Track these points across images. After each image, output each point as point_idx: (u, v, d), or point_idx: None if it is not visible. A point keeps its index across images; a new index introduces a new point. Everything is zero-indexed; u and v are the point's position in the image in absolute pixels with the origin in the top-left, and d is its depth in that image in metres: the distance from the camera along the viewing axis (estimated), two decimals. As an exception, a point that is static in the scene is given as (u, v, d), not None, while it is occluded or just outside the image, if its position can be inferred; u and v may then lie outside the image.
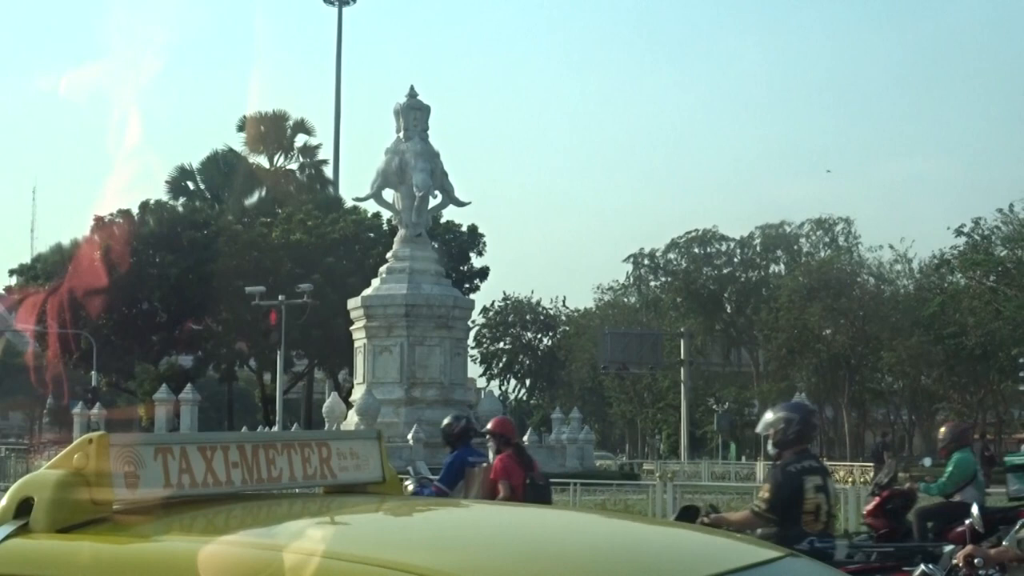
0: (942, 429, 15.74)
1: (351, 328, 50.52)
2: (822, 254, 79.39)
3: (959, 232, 67.20)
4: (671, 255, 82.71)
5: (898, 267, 78.10)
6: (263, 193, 77.96)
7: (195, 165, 77.19)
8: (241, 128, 79.51)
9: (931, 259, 72.05)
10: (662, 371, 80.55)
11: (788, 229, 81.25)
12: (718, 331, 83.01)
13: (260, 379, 68.98)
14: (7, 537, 2.80)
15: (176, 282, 59.48)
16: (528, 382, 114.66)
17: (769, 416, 9.18)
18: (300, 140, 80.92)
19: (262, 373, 68.88)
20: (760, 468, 55.71)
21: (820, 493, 8.58)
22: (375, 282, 50.45)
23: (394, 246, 51.22)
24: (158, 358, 65.96)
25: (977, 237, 66.75)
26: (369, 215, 67.05)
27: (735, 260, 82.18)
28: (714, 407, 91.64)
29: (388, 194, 51.38)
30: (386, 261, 51.37)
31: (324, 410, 49.56)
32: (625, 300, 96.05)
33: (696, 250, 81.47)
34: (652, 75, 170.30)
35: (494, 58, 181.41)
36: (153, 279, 60.52)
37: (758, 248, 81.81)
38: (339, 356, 65.42)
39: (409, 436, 45.53)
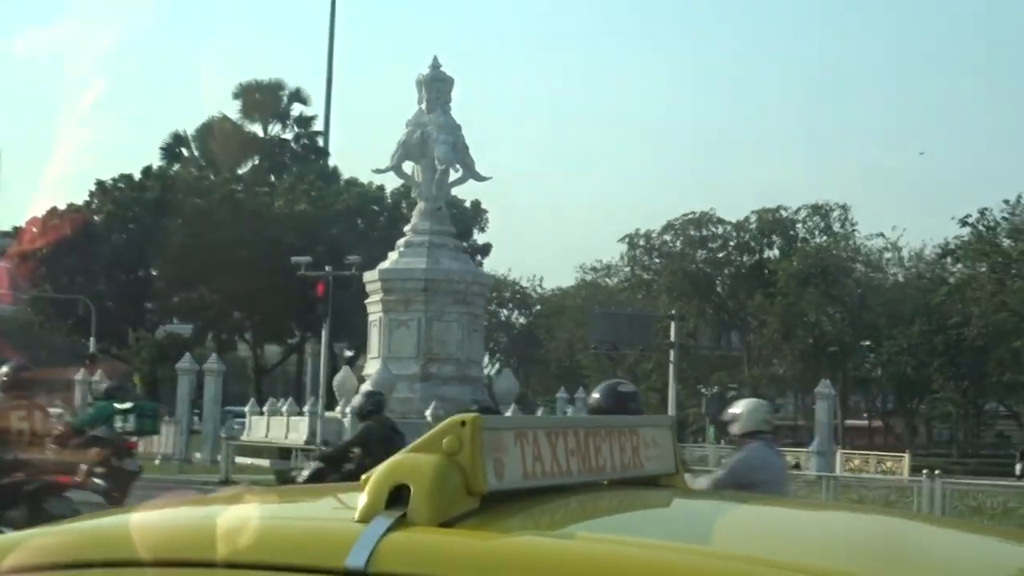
0: None
1: (366, 301, 49.69)
2: (818, 240, 79.20)
3: (964, 222, 67.10)
4: (667, 237, 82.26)
5: (888, 255, 78.22)
6: (255, 162, 77.11)
7: (190, 132, 76.41)
8: (237, 96, 78.62)
9: (932, 248, 72.09)
10: (648, 353, 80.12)
11: (784, 214, 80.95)
12: (710, 315, 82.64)
13: (255, 351, 68.09)
14: (389, 530, 2.47)
15: (178, 250, 58.44)
16: (502, 360, 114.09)
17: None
18: (296, 110, 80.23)
19: (257, 345, 68.00)
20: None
21: (23, 422, 12.94)
22: (392, 255, 49.63)
23: (413, 219, 50.39)
24: (154, 326, 64.99)
25: (982, 228, 66.66)
26: (373, 187, 66.15)
27: (731, 244, 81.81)
28: (703, 391, 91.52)
29: (407, 166, 50.66)
30: (392, 234, 50.64)
31: (335, 383, 48.80)
32: (607, 281, 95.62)
33: (692, 232, 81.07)
34: (655, 57, 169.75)
35: (494, 29, 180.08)
36: (154, 246, 59.46)
37: (754, 231, 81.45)
38: (340, 329, 64.80)
39: (428, 413, 44.83)
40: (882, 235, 77.90)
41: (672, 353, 72.62)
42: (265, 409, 44.97)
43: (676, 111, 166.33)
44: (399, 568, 2.43)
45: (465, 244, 70.32)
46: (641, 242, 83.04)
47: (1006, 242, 64.81)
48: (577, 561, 2.39)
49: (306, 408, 45.42)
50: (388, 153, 51.19)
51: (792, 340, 74.86)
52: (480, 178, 51.05)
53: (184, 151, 74.94)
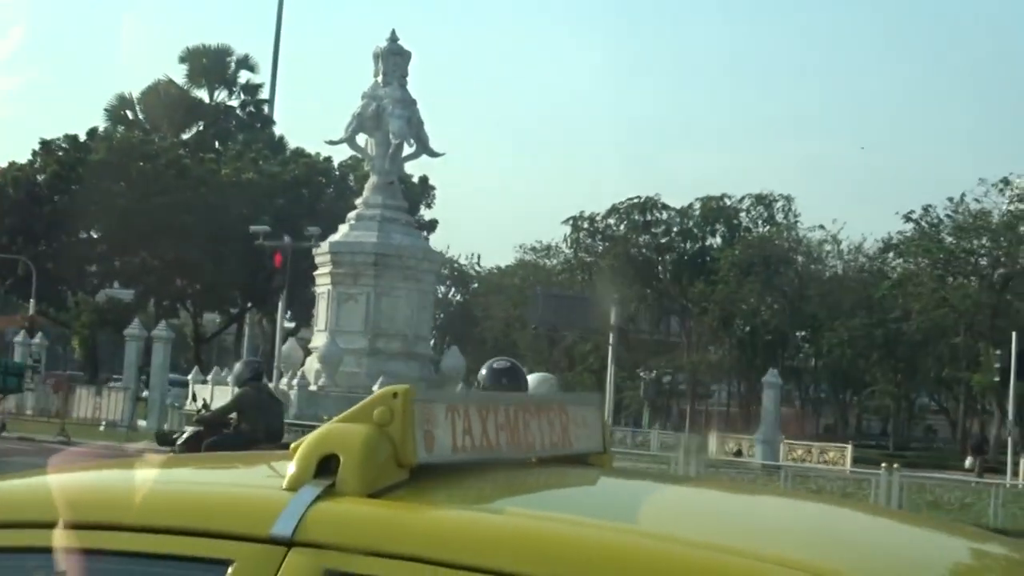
0: None
1: (315, 274, 49.36)
2: (760, 230, 79.51)
3: (908, 218, 67.61)
4: (611, 220, 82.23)
5: (827, 247, 78.51)
6: (200, 128, 76.36)
7: (135, 94, 75.48)
8: (184, 60, 77.71)
9: (873, 242, 72.53)
10: (588, 335, 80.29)
11: (728, 203, 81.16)
12: (651, 300, 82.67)
13: (195, 319, 67.37)
14: (317, 499, 2.49)
15: (123, 213, 57.64)
16: (437, 337, 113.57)
17: None
18: (243, 77, 79.44)
19: (197, 314, 67.34)
20: (712, 439, 55.61)
21: None
22: (343, 228, 49.28)
23: (364, 193, 50.06)
24: (95, 290, 64.08)
25: (925, 224, 67.20)
26: (320, 158, 65.56)
27: (674, 230, 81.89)
28: (642, 375, 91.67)
29: (361, 139, 50.30)
30: (340, 206, 50.11)
31: (281, 355, 48.52)
32: (546, 261, 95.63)
33: (636, 217, 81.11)
34: (603, 41, 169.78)
35: (446, 5, 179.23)
36: (98, 208, 58.56)
37: (698, 219, 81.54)
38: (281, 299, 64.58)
39: (375, 388, 44.54)
40: (822, 227, 78.32)
41: (611, 336, 73.07)
42: (210, 378, 44.48)
43: (622, 95, 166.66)
44: (326, 537, 2.42)
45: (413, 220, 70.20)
46: (585, 224, 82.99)
47: (948, 239, 65.28)
48: (503, 535, 2.41)
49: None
50: (335, 125, 51.17)
51: (731, 328, 75.19)
52: (434, 154, 50.74)
53: (129, 113, 74.01)
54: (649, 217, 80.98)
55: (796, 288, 72.12)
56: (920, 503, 25.68)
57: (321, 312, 48.74)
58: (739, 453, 51.98)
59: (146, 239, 60.81)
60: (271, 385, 46.13)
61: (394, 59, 49.64)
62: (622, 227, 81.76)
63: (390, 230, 48.29)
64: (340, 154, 66.85)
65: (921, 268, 65.51)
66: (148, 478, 2.77)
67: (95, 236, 62.82)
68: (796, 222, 79.09)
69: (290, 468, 2.55)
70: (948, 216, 65.41)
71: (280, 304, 36.63)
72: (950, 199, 65.62)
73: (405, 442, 2.56)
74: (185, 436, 16.21)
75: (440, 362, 50.24)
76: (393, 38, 50.00)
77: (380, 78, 49.54)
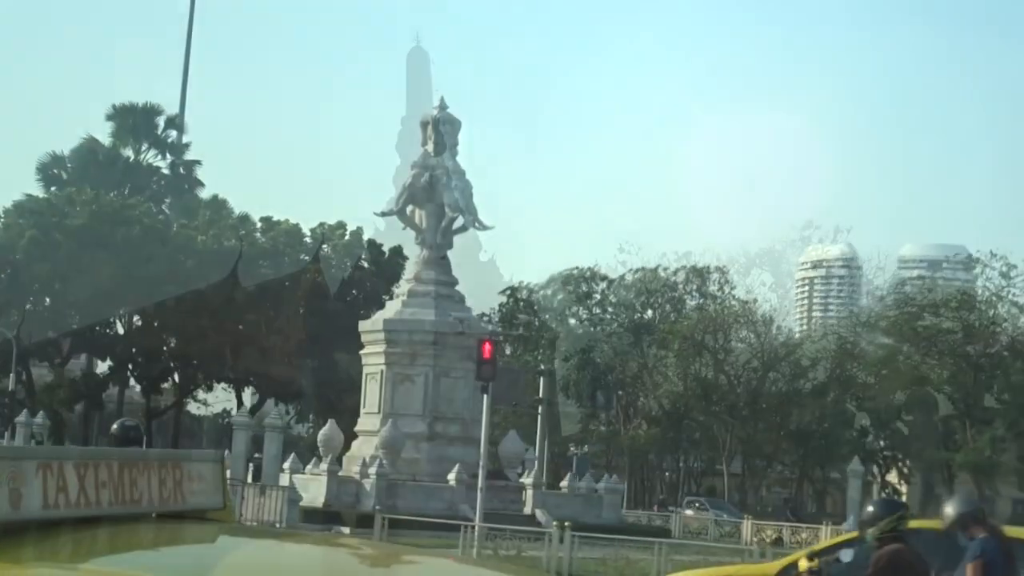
0: None
1: (362, 352, 46.78)
2: (696, 301, 79.10)
3: (880, 299, 67.91)
4: (548, 291, 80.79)
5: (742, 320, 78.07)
6: (125, 191, 72.48)
7: (65, 152, 71.21)
8: (111, 118, 73.78)
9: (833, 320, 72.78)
10: (520, 408, 78.49)
11: (663, 275, 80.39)
12: (585, 373, 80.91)
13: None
14: None
15: (107, 282, 53.81)
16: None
17: None
18: (171, 136, 75.79)
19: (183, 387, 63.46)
20: (746, 527, 54.06)
21: None
22: (393, 305, 47.03)
23: (414, 267, 47.86)
24: (65, 362, 59.47)
25: (890, 302, 67.50)
26: (291, 224, 62.46)
27: (611, 299, 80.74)
28: (573, 450, 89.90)
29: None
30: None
31: (320, 439, 45.80)
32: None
33: (570, 289, 79.85)
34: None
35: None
36: (80, 276, 54.39)
37: (634, 291, 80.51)
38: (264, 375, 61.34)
39: (451, 476, 42.44)
40: (736, 299, 78.12)
41: (540, 409, 71.47)
42: (286, 466, 41.50)
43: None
44: None
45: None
46: (524, 295, 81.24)
47: (925, 317, 65.43)
48: None
49: (323, 467, 42.15)
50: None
51: (676, 404, 74.23)
52: (483, 227, 48.77)
53: (63, 173, 69.70)
54: (585, 288, 79.73)
55: (752, 365, 71.51)
56: None
57: (373, 394, 46.17)
58: (779, 541, 50.42)
59: (121, 308, 57.23)
60: (308, 468, 43.54)
61: (445, 128, 47.70)
62: (558, 299, 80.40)
63: (447, 307, 46.12)
64: (309, 221, 64.30)
65: (896, 346, 65.45)
66: None
67: (61, 304, 58.49)
68: (731, 292, 79.07)
69: None
70: (922, 292, 65.86)
71: (485, 399, 33.91)
72: (921, 278, 66.22)
73: None
74: None
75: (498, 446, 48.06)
76: (443, 106, 48.06)
77: (431, 147, 47.50)
